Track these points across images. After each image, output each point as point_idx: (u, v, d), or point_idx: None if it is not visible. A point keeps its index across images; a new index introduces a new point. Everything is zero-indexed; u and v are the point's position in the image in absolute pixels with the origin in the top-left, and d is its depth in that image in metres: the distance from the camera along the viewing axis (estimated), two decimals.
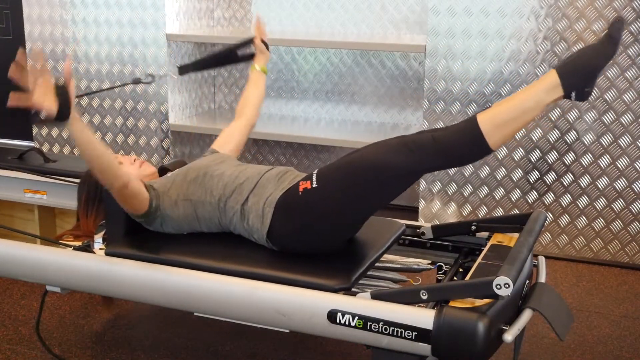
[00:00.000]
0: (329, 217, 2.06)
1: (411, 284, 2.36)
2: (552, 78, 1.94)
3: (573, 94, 1.94)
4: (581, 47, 1.97)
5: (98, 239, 2.31)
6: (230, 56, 2.70)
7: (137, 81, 2.71)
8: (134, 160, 2.41)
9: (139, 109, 3.85)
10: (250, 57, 2.71)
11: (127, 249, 2.18)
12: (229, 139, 2.54)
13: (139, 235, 2.26)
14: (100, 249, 2.27)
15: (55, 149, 4.07)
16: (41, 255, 2.19)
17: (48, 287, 2.25)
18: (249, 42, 2.68)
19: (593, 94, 3.09)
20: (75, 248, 2.26)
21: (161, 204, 2.20)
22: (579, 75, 1.92)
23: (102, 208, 2.32)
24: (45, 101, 1.80)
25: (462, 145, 1.97)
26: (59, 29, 3.89)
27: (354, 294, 1.91)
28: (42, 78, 1.80)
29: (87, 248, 2.27)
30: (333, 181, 2.05)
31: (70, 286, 2.19)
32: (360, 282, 2.24)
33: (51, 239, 2.41)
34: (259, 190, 2.16)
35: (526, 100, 1.94)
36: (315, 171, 2.11)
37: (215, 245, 2.19)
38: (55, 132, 4.03)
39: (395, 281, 2.31)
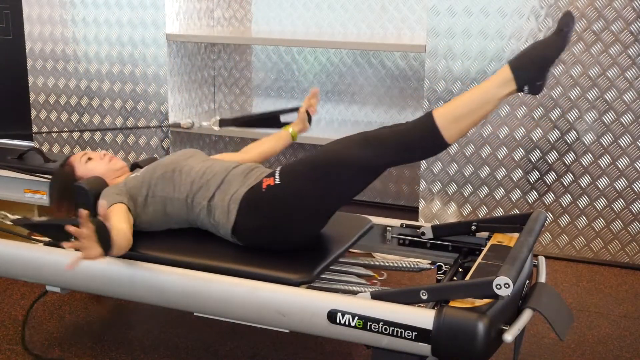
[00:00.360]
0: (292, 213, 2.09)
1: (376, 277, 2.43)
2: (505, 72, 1.97)
3: (526, 88, 1.97)
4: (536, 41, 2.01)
5: None
6: (272, 120, 2.67)
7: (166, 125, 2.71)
8: (104, 155, 2.45)
9: (139, 109, 3.85)
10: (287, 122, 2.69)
11: None
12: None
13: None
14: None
15: (55, 148, 4.07)
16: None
17: (48, 287, 2.26)
18: (295, 110, 2.65)
19: (593, 93, 3.09)
20: (46, 243, 2.29)
21: (136, 207, 2.26)
22: (531, 69, 1.95)
23: (73, 204, 2.35)
24: (93, 254, 1.81)
25: (419, 139, 2.01)
26: (59, 29, 3.89)
27: (322, 289, 1.95)
28: (87, 239, 1.79)
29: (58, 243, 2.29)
30: (295, 177, 2.08)
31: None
32: (324, 276, 2.30)
33: (23, 235, 2.42)
34: (225, 187, 2.20)
35: (480, 94, 1.97)
36: (279, 168, 2.15)
37: (183, 240, 2.23)
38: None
39: (360, 275, 2.35)
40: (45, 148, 4.09)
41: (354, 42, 3.36)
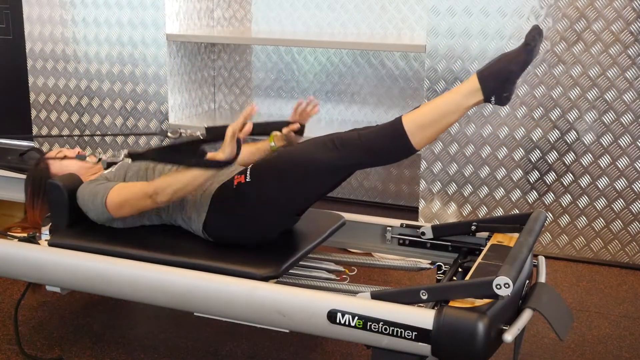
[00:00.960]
0: (261, 211, 2.13)
1: (346, 273, 2.44)
2: (473, 82, 1.99)
3: (492, 98, 1.99)
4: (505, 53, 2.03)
5: (45, 231, 2.36)
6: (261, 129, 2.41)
7: (162, 133, 2.59)
8: (78, 153, 2.48)
9: (139, 109, 3.85)
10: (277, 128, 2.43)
11: (70, 240, 2.24)
12: None
13: (82, 226, 2.32)
14: (46, 240, 2.31)
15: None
16: None
17: (48, 287, 2.27)
18: (286, 124, 2.41)
19: (593, 93, 3.09)
20: (21, 239, 2.31)
21: None
22: (497, 81, 1.97)
23: (46, 200, 2.38)
24: (231, 153, 2.05)
25: (387, 143, 2.04)
26: (59, 29, 3.89)
27: (289, 284, 1.97)
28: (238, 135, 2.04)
29: (32, 239, 2.32)
30: (265, 175, 2.12)
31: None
32: (292, 271, 2.34)
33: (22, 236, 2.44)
34: None
35: (448, 103, 2.00)
36: (250, 166, 2.17)
37: (155, 236, 2.26)
38: (55, 132, 4.03)
39: (330, 271, 2.38)
40: (45, 148, 4.09)
41: (354, 42, 3.36)
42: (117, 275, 2.07)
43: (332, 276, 2.34)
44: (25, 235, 2.34)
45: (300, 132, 2.44)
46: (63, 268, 2.12)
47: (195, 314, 2.06)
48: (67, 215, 2.32)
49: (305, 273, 2.35)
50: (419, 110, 2.02)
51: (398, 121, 2.02)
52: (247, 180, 2.13)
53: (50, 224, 2.36)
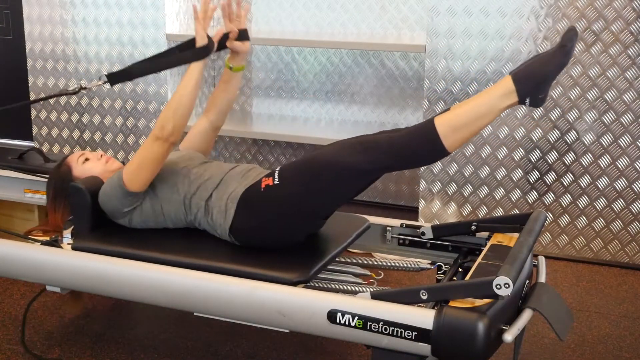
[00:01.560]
0: (290, 213, 2.10)
1: (373, 277, 2.42)
2: (508, 84, 1.95)
3: (527, 100, 1.96)
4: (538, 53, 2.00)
5: (67, 234, 2.33)
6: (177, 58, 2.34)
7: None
8: (101, 155, 2.46)
9: (139, 109, 3.85)
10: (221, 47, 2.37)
11: (94, 244, 2.22)
12: (195, 143, 2.58)
13: (105, 229, 2.31)
14: (69, 243, 2.29)
15: (55, 148, 4.07)
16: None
17: (48, 287, 2.27)
18: (226, 36, 2.35)
19: (593, 93, 3.09)
20: (43, 243, 2.29)
21: (133, 205, 2.27)
22: (533, 82, 1.94)
23: (68, 203, 2.36)
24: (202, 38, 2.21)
25: (418, 146, 1.99)
26: (59, 29, 3.89)
27: (319, 288, 1.94)
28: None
29: (55, 243, 2.29)
30: (293, 178, 2.09)
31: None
32: (321, 275, 2.31)
33: (20, 234, 2.44)
34: (222, 187, 2.22)
35: (482, 104, 1.96)
36: (278, 168, 2.15)
37: (180, 239, 2.24)
38: (55, 132, 4.03)
39: (357, 275, 2.35)
40: (45, 148, 4.09)
41: (354, 42, 3.36)
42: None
43: (360, 280, 2.31)
44: (48, 238, 2.32)
45: (243, 37, 2.38)
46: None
47: (195, 313, 2.06)
48: (90, 218, 2.30)
49: (333, 277, 2.31)
50: (452, 113, 1.98)
51: (430, 124, 1.97)
52: (276, 182, 2.11)
53: (71, 227, 2.33)
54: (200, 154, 2.48)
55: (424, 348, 1.76)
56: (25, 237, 2.37)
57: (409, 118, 3.82)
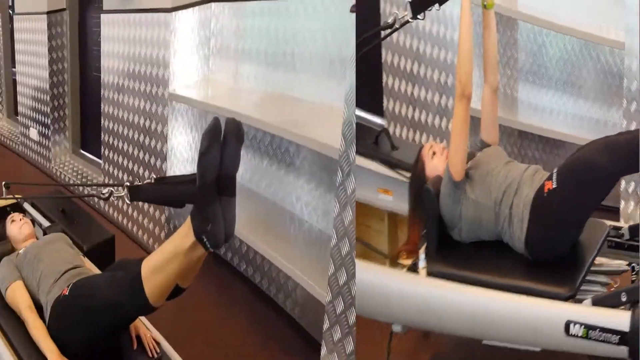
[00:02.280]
0: (570, 219, 1.99)
1: (612, 286, 2.31)
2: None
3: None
4: None
5: (422, 254, 1.97)
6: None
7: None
8: (443, 148, 2.19)
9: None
10: None
11: (447, 268, 1.93)
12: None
13: (446, 247, 1.99)
14: (423, 267, 1.95)
15: (402, 132, 3.32)
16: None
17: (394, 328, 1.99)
18: None
19: None
20: (409, 269, 1.94)
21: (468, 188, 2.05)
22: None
23: (424, 215, 2.01)
24: None
25: None
26: None
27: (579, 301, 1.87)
28: None
29: (414, 267, 1.95)
30: (564, 182, 1.97)
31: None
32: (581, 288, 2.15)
33: (384, 254, 2.19)
34: (519, 191, 2.05)
35: None
36: (556, 169, 2.04)
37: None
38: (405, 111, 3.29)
39: (603, 284, 2.28)
40: (391, 129, 3.20)
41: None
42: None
43: (605, 290, 2.24)
44: (410, 263, 1.95)
45: None
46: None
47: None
48: (438, 232, 1.94)
49: (588, 288, 2.20)
50: None
51: None
52: (554, 186, 1.99)
53: (424, 244, 1.96)
54: (504, 153, 2.27)
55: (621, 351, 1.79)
56: (396, 262, 2.06)
57: (614, 115, 3.69)
